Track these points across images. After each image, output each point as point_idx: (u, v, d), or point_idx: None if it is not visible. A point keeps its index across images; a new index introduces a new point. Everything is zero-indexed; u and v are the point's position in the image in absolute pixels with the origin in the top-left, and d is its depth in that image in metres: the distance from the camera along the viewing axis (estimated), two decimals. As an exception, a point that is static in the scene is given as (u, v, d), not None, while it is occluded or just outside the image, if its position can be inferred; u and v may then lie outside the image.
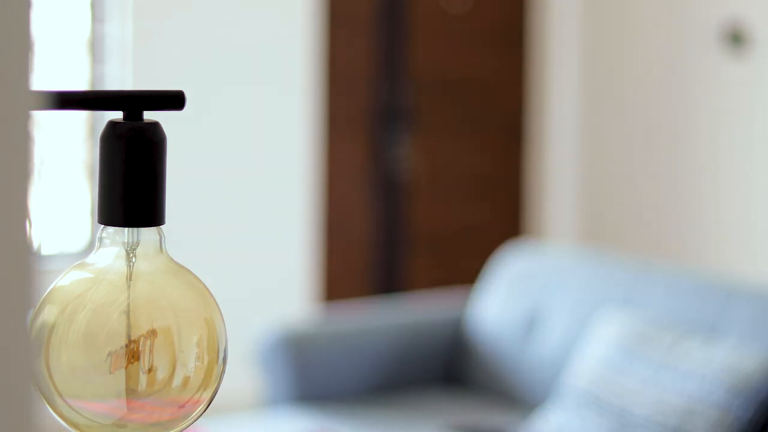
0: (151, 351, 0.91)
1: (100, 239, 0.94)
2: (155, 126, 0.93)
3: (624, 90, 5.37)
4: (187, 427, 0.93)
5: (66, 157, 4.35)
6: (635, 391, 3.00)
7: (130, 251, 0.93)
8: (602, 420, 3.04)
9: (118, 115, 0.93)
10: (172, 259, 0.95)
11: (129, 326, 0.91)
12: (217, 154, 4.57)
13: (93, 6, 4.36)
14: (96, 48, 4.36)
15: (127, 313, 0.91)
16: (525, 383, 3.49)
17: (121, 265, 0.93)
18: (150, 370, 0.90)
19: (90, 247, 4.27)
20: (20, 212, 0.62)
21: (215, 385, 0.94)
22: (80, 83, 4.36)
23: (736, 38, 4.93)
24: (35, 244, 0.64)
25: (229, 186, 4.61)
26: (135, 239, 0.93)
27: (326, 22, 4.95)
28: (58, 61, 4.32)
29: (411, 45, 5.24)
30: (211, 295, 0.95)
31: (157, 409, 0.91)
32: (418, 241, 5.33)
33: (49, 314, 0.91)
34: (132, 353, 0.90)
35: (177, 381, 0.91)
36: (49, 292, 0.93)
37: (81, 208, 4.38)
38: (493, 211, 5.51)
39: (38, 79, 0.64)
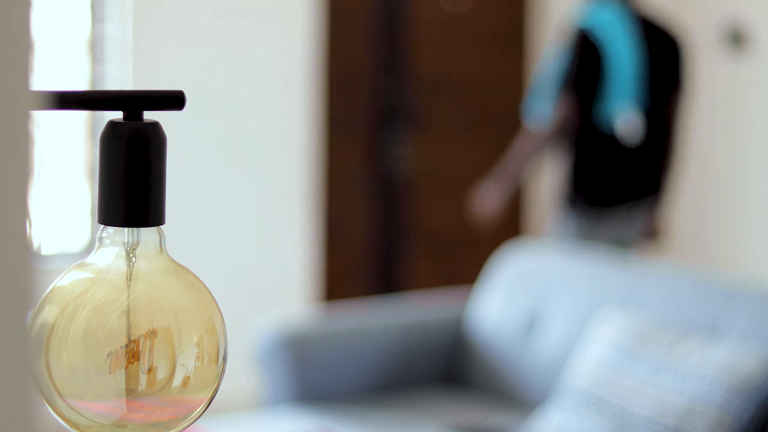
0: (151, 351, 0.91)
1: (100, 239, 0.94)
2: (155, 126, 0.93)
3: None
4: (187, 427, 0.93)
5: (66, 157, 4.35)
6: (635, 391, 3.00)
7: (130, 251, 0.93)
8: (602, 420, 3.04)
9: (118, 115, 0.93)
10: (172, 259, 0.95)
11: (129, 326, 0.91)
12: (217, 154, 4.57)
13: (93, 6, 4.36)
14: (96, 48, 4.36)
15: (127, 313, 0.91)
16: (525, 383, 3.49)
17: (121, 265, 0.93)
18: (150, 370, 0.90)
19: (90, 247, 4.27)
20: (20, 212, 0.62)
21: (215, 385, 0.94)
22: (80, 83, 4.36)
23: (736, 38, 4.93)
24: (35, 244, 0.64)
25: (229, 186, 4.61)
26: (135, 239, 0.93)
27: (326, 21, 4.95)
28: (58, 61, 4.32)
29: (411, 45, 5.24)
30: (211, 295, 0.95)
31: (157, 409, 0.91)
32: (418, 241, 5.33)
33: (49, 314, 0.91)
34: (132, 353, 0.90)
35: (177, 381, 0.91)
36: (49, 292, 0.93)
37: (81, 208, 4.38)
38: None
39: (38, 79, 0.64)
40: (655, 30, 4.34)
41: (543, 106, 4.34)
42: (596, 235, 4.31)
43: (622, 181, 4.35)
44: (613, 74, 4.25)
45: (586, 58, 4.24)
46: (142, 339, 0.91)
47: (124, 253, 0.93)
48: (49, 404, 0.91)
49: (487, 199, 4.39)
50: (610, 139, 4.29)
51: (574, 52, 4.24)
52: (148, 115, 0.94)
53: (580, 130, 4.29)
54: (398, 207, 5.25)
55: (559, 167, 4.41)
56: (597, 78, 4.24)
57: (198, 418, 0.94)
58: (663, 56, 4.35)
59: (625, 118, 4.25)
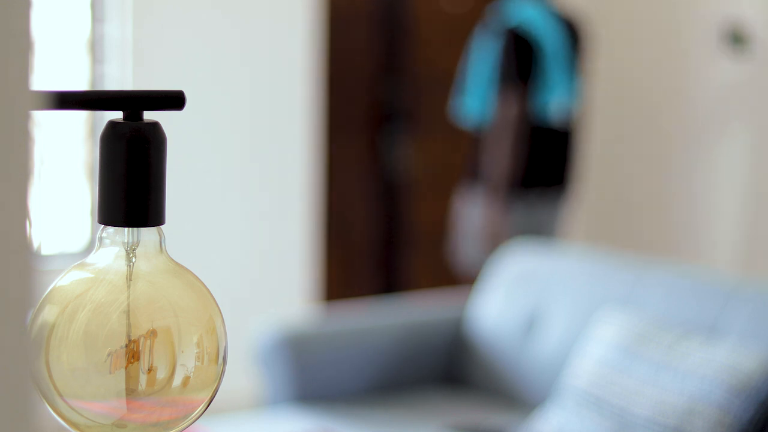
0: (150, 351, 0.91)
1: (100, 239, 0.94)
2: (155, 126, 0.93)
3: (624, 90, 5.37)
4: (187, 427, 0.93)
5: (66, 157, 4.35)
6: (635, 391, 3.00)
7: (130, 251, 0.93)
8: (602, 420, 3.04)
9: (118, 115, 0.93)
10: (172, 259, 0.95)
11: (129, 326, 0.91)
12: (217, 154, 4.57)
13: (93, 6, 4.36)
14: (96, 48, 4.36)
15: (127, 313, 0.91)
16: (525, 383, 3.49)
17: (121, 265, 0.93)
18: (150, 370, 0.90)
19: (90, 247, 4.27)
20: (20, 212, 0.62)
21: (215, 385, 0.94)
22: (80, 83, 4.36)
23: (736, 38, 4.93)
24: (35, 244, 0.64)
25: (229, 186, 4.61)
26: (135, 239, 0.93)
27: (326, 21, 4.95)
28: (58, 61, 4.32)
29: (411, 45, 5.24)
30: (211, 295, 0.95)
31: (157, 409, 0.91)
32: (418, 241, 5.33)
33: (49, 314, 0.91)
34: (132, 353, 0.90)
35: (177, 381, 0.91)
36: (49, 292, 0.93)
37: (81, 208, 4.38)
38: (493, 211, 5.50)
39: (38, 79, 0.64)
40: (565, 23, 4.63)
41: (473, 104, 4.60)
42: (507, 220, 4.61)
43: (543, 167, 4.65)
44: (547, 67, 4.53)
45: (522, 54, 4.49)
46: (142, 339, 0.91)
47: (124, 253, 0.93)
48: (49, 404, 0.91)
49: (491, 222, 4.57)
50: (539, 128, 4.59)
51: (510, 49, 4.49)
52: (148, 115, 0.94)
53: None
54: (398, 207, 5.25)
55: (477, 154, 4.63)
56: (534, 71, 4.52)
57: (198, 418, 0.94)
58: (574, 48, 4.67)
59: (560, 107, 4.58)
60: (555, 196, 4.68)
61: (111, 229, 0.93)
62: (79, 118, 4.30)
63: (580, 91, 4.70)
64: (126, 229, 0.93)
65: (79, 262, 0.95)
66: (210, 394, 0.93)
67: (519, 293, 3.59)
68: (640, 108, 5.30)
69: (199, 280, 0.95)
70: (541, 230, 4.65)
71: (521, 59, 4.48)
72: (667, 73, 5.21)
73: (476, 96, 4.59)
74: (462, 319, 3.72)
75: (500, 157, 4.48)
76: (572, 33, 4.61)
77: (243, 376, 4.36)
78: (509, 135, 4.47)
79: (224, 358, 0.94)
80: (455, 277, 5.17)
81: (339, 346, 3.55)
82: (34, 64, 0.63)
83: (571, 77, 4.61)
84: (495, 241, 4.57)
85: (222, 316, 0.95)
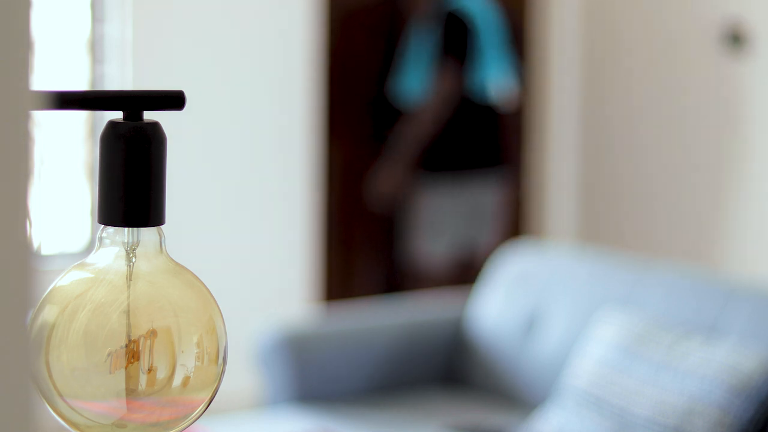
0: (151, 351, 0.91)
1: (100, 239, 0.94)
2: (155, 126, 0.93)
3: (624, 90, 5.37)
4: (187, 427, 0.93)
5: (66, 157, 4.35)
6: (635, 391, 3.00)
7: (130, 251, 0.93)
8: (602, 420, 3.04)
9: (118, 115, 0.93)
10: (172, 259, 0.95)
11: (129, 326, 0.91)
12: (217, 153, 4.57)
13: (93, 6, 4.36)
14: (96, 48, 4.36)
15: (127, 313, 0.91)
16: (525, 383, 3.49)
17: (121, 265, 0.93)
18: (150, 370, 0.90)
19: (90, 247, 4.27)
20: (20, 212, 0.62)
21: (215, 385, 0.94)
22: (80, 83, 4.36)
23: (736, 38, 4.93)
24: (35, 244, 0.64)
25: (229, 186, 4.61)
26: (135, 239, 0.93)
27: (326, 20, 4.95)
28: (58, 61, 4.32)
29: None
30: (211, 295, 0.95)
31: (157, 409, 0.91)
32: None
33: (49, 314, 0.91)
34: (132, 353, 0.90)
35: (177, 381, 0.91)
36: (49, 292, 0.93)
37: (81, 208, 4.38)
38: (493, 211, 5.50)
39: (38, 79, 0.64)
40: (502, 10, 5.05)
41: (412, 84, 4.91)
42: (449, 201, 4.91)
43: (477, 147, 4.96)
44: (483, 48, 4.86)
45: (459, 34, 4.82)
46: (142, 339, 0.91)
47: (124, 253, 0.93)
48: (49, 404, 0.91)
49: (388, 180, 4.94)
50: (478, 106, 4.90)
51: (447, 30, 4.83)
52: (148, 115, 0.94)
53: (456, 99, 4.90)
54: (399, 206, 5.24)
55: (421, 135, 4.90)
56: (471, 51, 4.82)
57: (198, 418, 0.94)
58: (511, 33, 5.09)
59: (499, 86, 4.91)
60: (490, 177, 4.95)
61: (111, 229, 0.93)
62: (79, 118, 4.30)
63: (516, 72, 5.03)
64: (126, 229, 0.93)
65: (79, 262, 0.95)
66: (210, 394, 0.93)
67: (519, 293, 3.59)
68: (639, 107, 5.30)
69: (199, 280, 0.95)
70: (477, 212, 4.92)
71: (459, 38, 4.78)
72: (666, 73, 5.21)
73: (415, 76, 4.88)
74: (462, 319, 3.72)
75: (423, 121, 4.78)
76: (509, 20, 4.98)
77: (243, 376, 4.36)
78: (438, 105, 4.78)
79: (224, 358, 0.94)
80: (455, 277, 5.17)
81: (339, 346, 3.55)
82: (34, 64, 0.63)
83: (506, 60, 4.93)
84: (387, 201, 4.89)
85: (222, 316, 0.95)
